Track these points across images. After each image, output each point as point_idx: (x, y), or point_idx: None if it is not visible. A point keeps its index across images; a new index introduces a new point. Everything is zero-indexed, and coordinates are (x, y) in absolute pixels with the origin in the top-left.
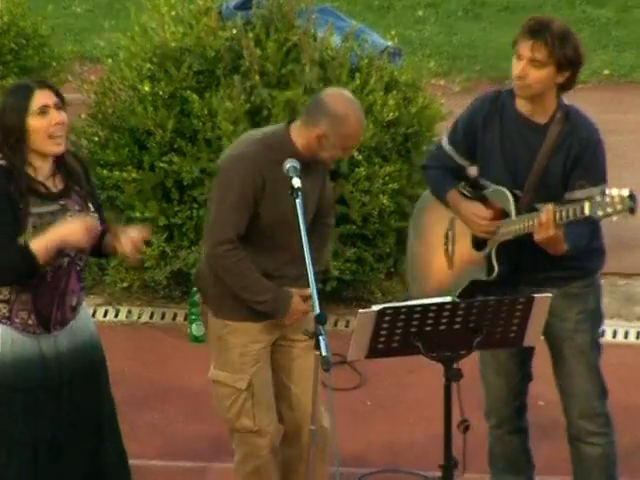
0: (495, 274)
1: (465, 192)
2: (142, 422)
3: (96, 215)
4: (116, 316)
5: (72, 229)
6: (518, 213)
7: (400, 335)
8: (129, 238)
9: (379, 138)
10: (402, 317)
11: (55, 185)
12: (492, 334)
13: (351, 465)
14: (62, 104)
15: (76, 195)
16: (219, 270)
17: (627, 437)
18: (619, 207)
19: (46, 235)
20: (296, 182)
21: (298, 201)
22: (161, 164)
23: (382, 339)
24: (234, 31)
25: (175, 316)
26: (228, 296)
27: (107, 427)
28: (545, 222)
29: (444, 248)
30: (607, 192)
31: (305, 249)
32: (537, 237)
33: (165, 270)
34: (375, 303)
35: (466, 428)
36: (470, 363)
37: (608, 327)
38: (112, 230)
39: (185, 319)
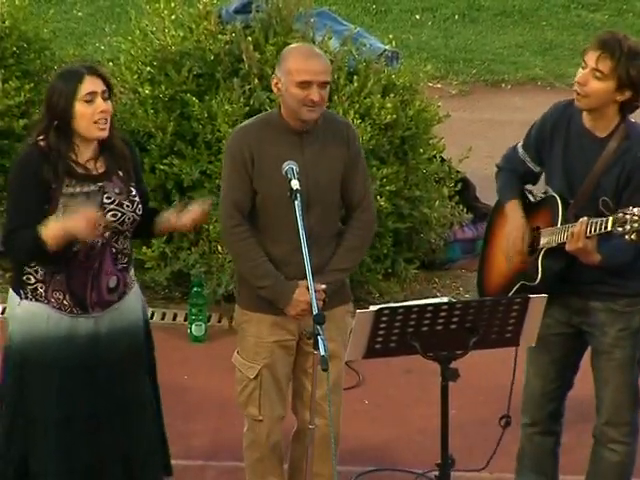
0: (538, 280)
1: (530, 196)
2: None
3: (136, 199)
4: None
5: (75, 222)
6: (565, 222)
7: (397, 335)
8: (191, 212)
9: (376, 140)
10: (399, 317)
11: (96, 167)
12: (488, 334)
13: (348, 463)
14: (110, 93)
15: (117, 179)
16: (228, 249)
17: None
18: (636, 225)
19: (55, 224)
20: (295, 184)
21: (297, 203)
22: (161, 166)
23: (380, 339)
24: (233, 35)
25: (175, 316)
26: (245, 285)
27: (147, 412)
28: (576, 234)
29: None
30: (631, 209)
31: (303, 248)
32: (567, 247)
33: (165, 271)
34: (373, 303)
35: (507, 423)
36: (473, 363)
37: None
38: (177, 209)
39: (185, 319)
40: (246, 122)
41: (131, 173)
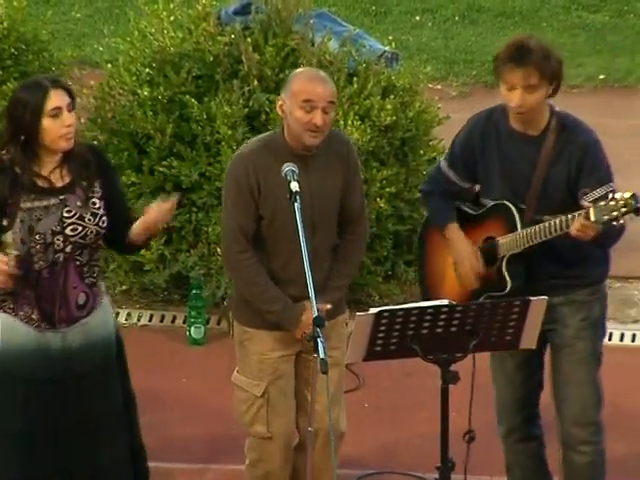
0: (509, 288)
1: (467, 209)
2: (141, 424)
3: (99, 212)
4: (115, 319)
5: None
6: (523, 226)
7: (397, 338)
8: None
9: (376, 142)
10: (399, 320)
11: (62, 178)
12: (488, 337)
13: (348, 467)
14: (73, 105)
15: (81, 190)
16: (231, 274)
17: (622, 439)
18: (623, 210)
19: None
20: (294, 186)
21: (297, 205)
22: (160, 168)
23: (380, 342)
24: (233, 36)
25: (174, 319)
26: (246, 302)
27: (117, 422)
28: (584, 225)
29: (454, 269)
30: (610, 196)
31: (304, 252)
32: (583, 238)
33: (164, 273)
34: (373, 306)
35: (471, 439)
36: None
37: None
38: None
39: (184, 322)
40: (248, 146)
41: (94, 184)
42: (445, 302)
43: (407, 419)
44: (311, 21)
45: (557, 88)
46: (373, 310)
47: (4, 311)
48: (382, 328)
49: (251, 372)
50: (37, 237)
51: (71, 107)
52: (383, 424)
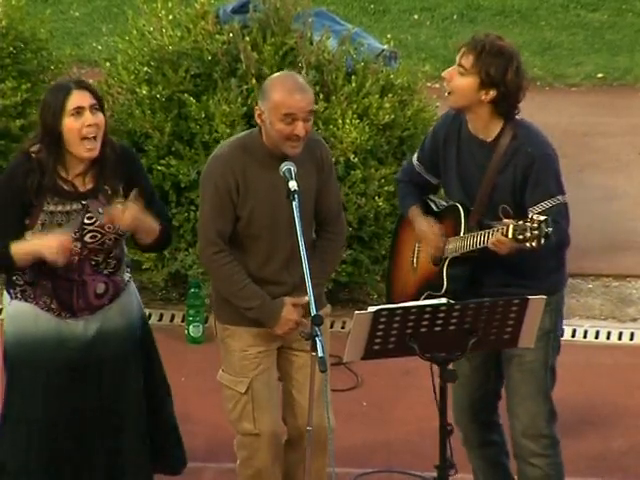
0: (444, 290)
1: (432, 203)
2: None
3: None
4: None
5: (47, 245)
6: (468, 230)
7: (396, 336)
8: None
9: (375, 141)
10: (398, 318)
11: (85, 184)
12: (487, 335)
13: (347, 465)
14: (99, 106)
15: (103, 196)
16: (209, 274)
17: (619, 437)
18: (535, 232)
19: (27, 244)
20: (293, 185)
21: (295, 204)
22: (159, 167)
23: (378, 340)
24: (231, 35)
25: (173, 318)
26: (225, 300)
27: (136, 408)
28: (499, 241)
29: (410, 261)
30: (529, 216)
31: (302, 251)
32: (502, 252)
33: (162, 272)
34: (371, 305)
35: (449, 432)
36: None
37: (602, 328)
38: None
39: (183, 321)
40: (225, 147)
41: (118, 189)
42: (443, 301)
43: (405, 418)
44: (309, 20)
45: (501, 102)
46: (371, 309)
47: (25, 300)
48: (380, 327)
49: (234, 369)
50: None
51: (96, 107)
52: (381, 423)
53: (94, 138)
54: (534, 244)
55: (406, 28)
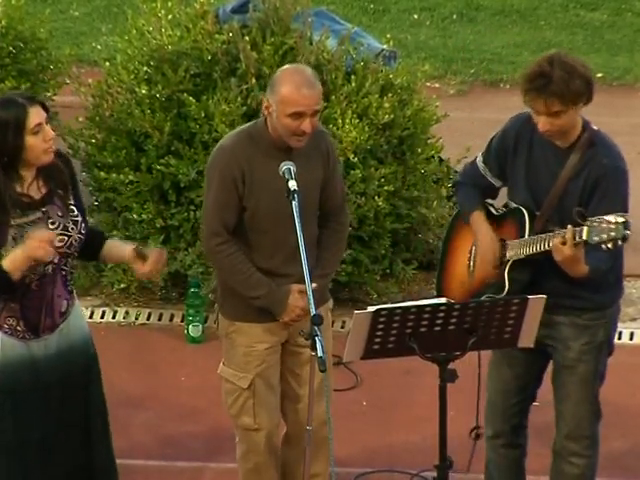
0: (505, 293)
1: (492, 208)
2: (139, 422)
3: (78, 219)
4: (113, 317)
5: (33, 246)
6: (532, 234)
7: (395, 336)
8: (153, 261)
9: (374, 140)
10: (397, 318)
11: (39, 190)
12: (486, 335)
13: (347, 465)
14: (49, 117)
15: (58, 199)
16: (214, 265)
17: (620, 437)
18: (613, 234)
19: (12, 255)
20: (292, 185)
21: (295, 203)
22: (158, 166)
23: (378, 340)
24: (230, 34)
25: (172, 317)
26: (231, 295)
27: (98, 426)
28: (569, 239)
29: (467, 263)
30: (604, 218)
31: (301, 249)
32: (556, 257)
33: (162, 272)
34: (371, 304)
35: (477, 436)
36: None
37: None
38: (136, 250)
39: (182, 320)
40: (230, 138)
41: (69, 189)
42: (443, 300)
43: (405, 417)
44: (309, 19)
45: (588, 100)
46: (371, 308)
47: None
48: (380, 326)
49: (237, 364)
50: None
51: (48, 119)
52: (381, 422)
53: (52, 147)
54: (610, 246)
55: (406, 28)
